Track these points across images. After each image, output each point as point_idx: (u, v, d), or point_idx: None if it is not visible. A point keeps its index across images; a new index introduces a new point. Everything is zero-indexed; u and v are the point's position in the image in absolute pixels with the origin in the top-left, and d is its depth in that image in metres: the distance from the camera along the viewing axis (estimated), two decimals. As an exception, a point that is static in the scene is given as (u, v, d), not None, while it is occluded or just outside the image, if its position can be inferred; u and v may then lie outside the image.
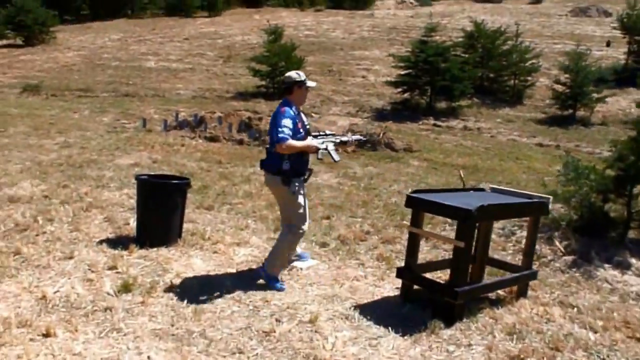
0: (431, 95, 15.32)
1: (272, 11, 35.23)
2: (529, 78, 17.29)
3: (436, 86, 14.91)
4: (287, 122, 3.93)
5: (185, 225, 5.06)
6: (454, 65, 14.81)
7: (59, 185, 6.52)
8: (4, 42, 25.72)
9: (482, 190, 3.49)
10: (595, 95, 15.26)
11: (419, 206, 3.36)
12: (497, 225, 5.65)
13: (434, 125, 13.94)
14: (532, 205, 3.32)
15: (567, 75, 15.52)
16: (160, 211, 4.73)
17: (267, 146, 4.18)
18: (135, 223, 5.07)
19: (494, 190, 3.52)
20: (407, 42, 23.48)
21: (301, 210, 4.09)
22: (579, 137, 13.51)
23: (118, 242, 4.83)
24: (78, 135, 10.51)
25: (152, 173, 6.47)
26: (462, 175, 7.20)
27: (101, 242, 4.86)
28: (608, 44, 22.98)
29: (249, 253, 4.85)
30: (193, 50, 23.07)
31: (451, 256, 3.58)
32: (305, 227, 4.16)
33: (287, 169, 3.98)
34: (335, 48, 22.94)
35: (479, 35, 17.95)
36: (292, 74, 4.19)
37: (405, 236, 5.30)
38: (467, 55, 16.64)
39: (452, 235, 5.30)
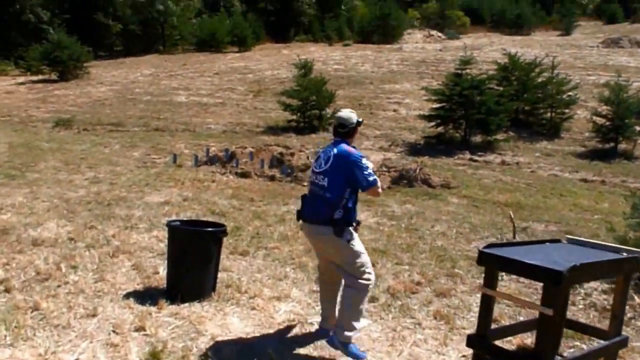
0: (466, 129, 14.91)
1: (300, 46, 35.48)
2: (567, 111, 16.76)
3: (471, 120, 14.51)
4: (369, 163, 3.69)
5: (219, 275, 4.66)
6: (489, 98, 14.41)
7: (85, 226, 6.23)
8: (40, 77, 26.26)
9: (558, 241, 3.07)
10: (637, 127, 14.68)
11: (495, 264, 2.86)
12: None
13: (470, 159, 13.48)
14: (625, 261, 2.85)
15: (607, 107, 14.99)
16: (193, 263, 4.30)
17: (311, 193, 3.81)
18: (165, 273, 4.67)
19: (570, 240, 3.10)
20: (437, 75, 23.35)
21: (363, 257, 3.68)
22: (623, 171, 12.89)
23: (146, 296, 4.43)
24: (108, 171, 10.36)
25: (184, 218, 6.02)
26: (513, 217, 6.74)
27: (128, 295, 4.46)
28: (645, 75, 22.29)
29: (291, 309, 4.38)
30: (223, 84, 23.16)
31: (526, 317, 3.15)
32: (372, 275, 3.71)
33: (339, 217, 3.61)
34: (364, 82, 22.78)
35: (513, 67, 17.56)
36: (350, 114, 3.88)
37: (460, 288, 4.87)
38: (501, 88, 16.23)
39: (523, 291, 4.84)
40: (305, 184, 9.78)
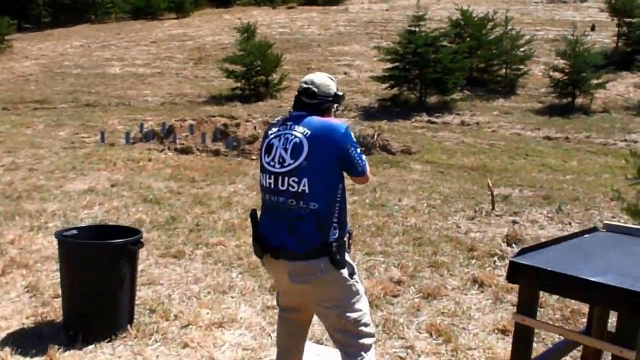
0: (422, 89, 14.15)
1: (243, 10, 33.81)
2: (522, 67, 16.25)
3: (427, 79, 13.75)
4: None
5: (141, 293, 3.58)
6: (445, 56, 13.66)
7: (-21, 229, 5.09)
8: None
9: (595, 229, 2.30)
10: (594, 81, 14.30)
11: (536, 282, 1.87)
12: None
13: (429, 122, 12.77)
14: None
15: (564, 62, 14.52)
16: (97, 288, 3.14)
17: (275, 210, 2.47)
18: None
19: (609, 228, 2.32)
20: (387, 35, 22.44)
21: (364, 302, 2.55)
22: (585, 127, 12.46)
23: (36, 337, 3.26)
24: (29, 155, 9.07)
25: (88, 224, 4.76)
26: (491, 185, 5.99)
27: (12, 334, 3.28)
28: (593, 29, 22.11)
29: (238, 342, 3.25)
30: (161, 53, 21.60)
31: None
32: (373, 327, 2.61)
33: (336, 238, 2.40)
34: (312, 45, 21.68)
35: (466, 23, 16.87)
36: (327, 80, 2.58)
37: (450, 283, 4.04)
38: (455, 46, 15.51)
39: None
40: (255, 157, 8.81)
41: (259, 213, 2.57)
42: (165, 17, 32.73)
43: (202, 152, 9.29)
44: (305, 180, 2.38)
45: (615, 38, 18.76)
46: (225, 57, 16.28)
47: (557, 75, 14.39)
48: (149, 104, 14.71)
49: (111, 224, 4.91)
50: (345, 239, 2.47)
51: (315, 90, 2.51)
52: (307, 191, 2.38)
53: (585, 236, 2.24)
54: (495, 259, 4.41)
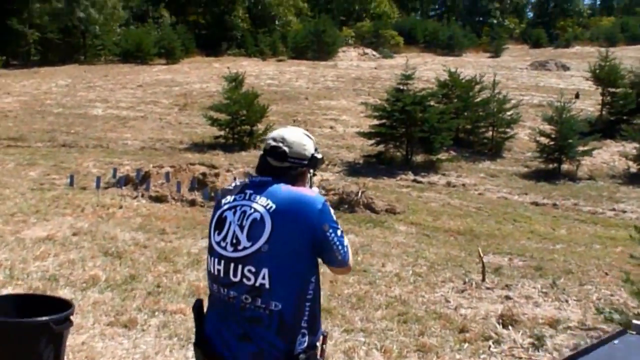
0: (408, 147, 13.94)
1: (232, 60, 34.02)
2: (508, 130, 16.22)
3: (414, 138, 13.56)
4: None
5: None
6: (432, 116, 13.53)
7: None
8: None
9: (624, 332, 1.91)
10: (580, 148, 14.25)
11: None
12: (568, 342, 3.94)
13: (414, 181, 12.48)
14: None
15: (551, 127, 14.49)
16: None
17: (221, 304, 1.93)
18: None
19: (638, 330, 1.95)
20: (374, 92, 22.53)
21: None
22: (572, 193, 12.25)
23: None
24: (-7, 195, 8.55)
25: (12, 292, 3.98)
26: (482, 255, 5.60)
27: None
28: (577, 96, 22.46)
29: None
30: (147, 97, 21.35)
31: None
32: None
33: (304, 347, 1.87)
34: (299, 97, 21.64)
35: (453, 84, 16.91)
36: (304, 138, 2.03)
37: None
38: (442, 106, 15.46)
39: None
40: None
41: (206, 304, 2.01)
42: (155, 62, 32.75)
43: (177, 201, 8.83)
44: (264, 271, 1.81)
45: (599, 106, 18.93)
46: (211, 104, 16.04)
47: (544, 140, 14.32)
48: (127, 147, 14.28)
49: (40, 293, 4.18)
50: (318, 345, 1.92)
51: (286, 149, 1.94)
52: (267, 286, 1.81)
53: (615, 342, 1.85)
54: (490, 343, 3.96)
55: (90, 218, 7.35)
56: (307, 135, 2.07)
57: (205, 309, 2.00)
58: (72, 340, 3.52)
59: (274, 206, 1.86)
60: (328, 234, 1.88)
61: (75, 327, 3.69)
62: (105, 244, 5.90)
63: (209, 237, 1.98)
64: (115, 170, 9.70)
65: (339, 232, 1.92)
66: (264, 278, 1.82)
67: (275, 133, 2.04)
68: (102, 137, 15.29)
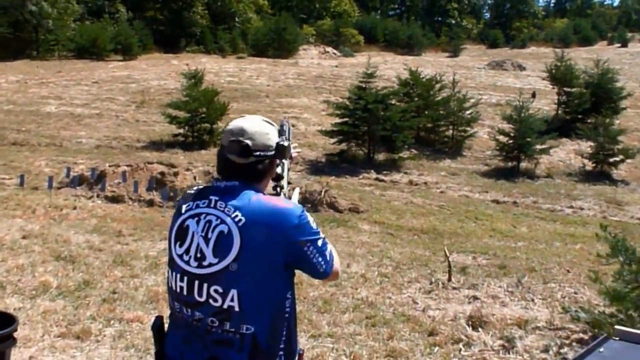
0: (370, 146, 13.90)
1: (192, 57, 33.43)
2: (468, 129, 16.38)
3: (376, 136, 13.52)
4: (312, 221, 1.78)
5: None
6: (394, 114, 13.53)
7: None
8: None
9: (607, 339, 1.83)
10: (538, 146, 14.49)
11: None
12: (538, 343, 3.90)
13: (377, 179, 12.43)
14: None
15: (510, 126, 14.69)
16: None
17: (186, 328, 1.72)
18: None
19: (621, 336, 1.87)
20: (335, 90, 22.49)
21: None
22: (531, 191, 12.43)
23: None
24: None
25: None
26: (448, 254, 5.55)
27: None
28: (533, 95, 22.92)
29: None
30: (102, 94, 20.71)
31: None
32: None
33: None
34: (260, 95, 21.40)
35: (414, 83, 16.98)
36: (265, 126, 1.81)
37: None
38: (404, 104, 15.49)
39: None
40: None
41: (166, 324, 1.80)
42: (111, 58, 31.90)
43: (134, 201, 8.52)
44: (233, 292, 1.60)
45: (555, 105, 19.34)
46: (170, 102, 15.65)
47: (503, 138, 14.51)
48: (82, 145, 13.79)
49: None
50: None
51: (249, 142, 1.70)
52: (237, 309, 1.60)
53: (601, 349, 1.77)
54: (460, 346, 3.88)
55: (42, 220, 7.00)
56: (268, 122, 1.84)
57: (166, 328, 1.79)
58: (19, 355, 3.27)
59: (243, 219, 1.64)
60: (305, 249, 1.69)
61: (22, 339, 3.45)
62: (57, 247, 5.59)
63: (170, 249, 1.75)
64: (68, 169, 9.31)
65: (319, 243, 1.72)
66: (232, 300, 1.61)
67: (232, 125, 1.79)
68: (55, 135, 14.72)
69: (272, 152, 1.78)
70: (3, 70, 27.15)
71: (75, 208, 7.86)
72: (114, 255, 5.47)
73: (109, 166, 9.97)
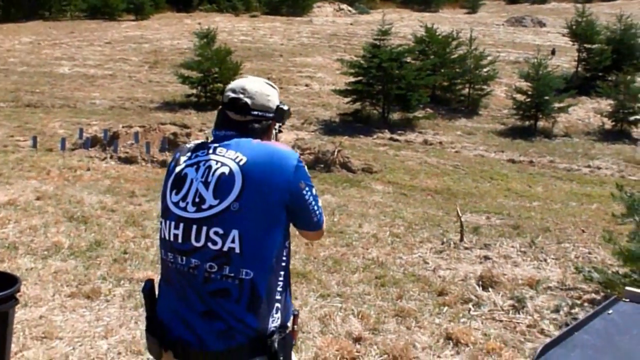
0: (384, 105, 13.71)
1: (204, 16, 33.01)
2: (485, 87, 16.06)
3: (391, 95, 13.32)
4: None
5: (30, 352, 2.72)
6: (409, 73, 13.27)
7: None
8: None
9: (617, 300, 1.78)
10: (556, 105, 14.18)
11: None
12: (549, 303, 3.85)
13: (391, 139, 12.31)
14: None
15: (527, 84, 14.36)
16: None
17: (182, 278, 1.67)
18: None
19: (632, 297, 1.82)
20: (350, 49, 22.10)
21: None
22: (548, 150, 12.23)
23: None
24: (-48, 159, 8.16)
25: None
26: (460, 214, 5.49)
27: None
28: (553, 52, 22.31)
29: None
30: (115, 55, 20.61)
31: None
32: None
33: (277, 327, 1.65)
34: (273, 54, 21.12)
35: (430, 40, 16.60)
36: (266, 88, 1.82)
37: (420, 339, 3.32)
38: (419, 62, 15.19)
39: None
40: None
41: (157, 286, 1.76)
42: (123, 18, 31.62)
43: (147, 162, 8.54)
44: (234, 233, 1.57)
45: (575, 63, 18.85)
46: (183, 62, 15.52)
47: (520, 97, 14.21)
48: (96, 107, 13.79)
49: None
50: (289, 325, 1.70)
51: (248, 101, 1.73)
52: (237, 250, 1.58)
53: (610, 312, 1.72)
54: (470, 305, 3.86)
55: (56, 181, 7.05)
56: (270, 85, 1.85)
57: (157, 289, 1.76)
58: (29, 313, 3.32)
59: (244, 159, 1.63)
60: (304, 192, 1.68)
61: (33, 299, 3.50)
62: (70, 208, 5.63)
63: (163, 199, 1.72)
64: (81, 130, 9.32)
65: (314, 191, 1.73)
66: (233, 241, 1.58)
67: (234, 84, 1.81)
68: (68, 96, 14.73)
69: (271, 115, 1.80)
70: (16, 31, 27.09)
71: (88, 169, 7.90)
72: (126, 216, 5.50)
73: (122, 127, 9.98)
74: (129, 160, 8.56)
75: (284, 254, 1.68)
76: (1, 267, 3.81)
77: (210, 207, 1.61)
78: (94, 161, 8.53)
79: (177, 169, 1.71)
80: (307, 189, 1.69)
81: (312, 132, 12.55)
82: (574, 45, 19.42)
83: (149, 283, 1.77)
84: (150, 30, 26.74)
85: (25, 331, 3.13)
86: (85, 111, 13.21)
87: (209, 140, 1.77)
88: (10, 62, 19.15)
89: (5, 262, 4.11)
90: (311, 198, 1.70)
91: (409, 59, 14.59)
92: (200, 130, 10.22)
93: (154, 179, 7.61)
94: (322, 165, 8.97)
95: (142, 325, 3.43)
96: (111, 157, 8.69)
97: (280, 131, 1.89)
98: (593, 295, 4.03)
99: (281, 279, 1.67)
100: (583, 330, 1.58)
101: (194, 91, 14.40)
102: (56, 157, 8.59)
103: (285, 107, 1.83)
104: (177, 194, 1.67)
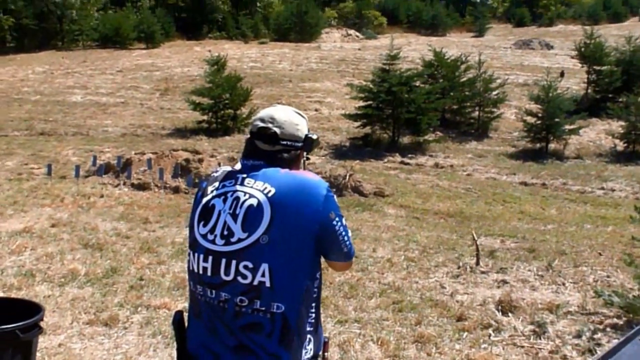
0: (394, 129, 13.76)
1: (214, 43, 33.49)
2: (494, 110, 16.10)
3: (401, 119, 13.37)
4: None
5: None
6: (419, 96, 13.34)
7: None
8: None
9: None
10: (567, 127, 14.16)
11: None
12: (570, 328, 3.80)
13: (402, 162, 12.32)
14: None
15: (538, 106, 14.38)
16: None
17: (211, 311, 1.66)
18: None
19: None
20: (358, 73, 22.28)
21: None
22: (560, 173, 12.17)
23: None
24: (-32, 187, 8.24)
25: None
26: (476, 238, 5.45)
27: None
28: (562, 74, 22.38)
29: None
30: (127, 83, 20.89)
31: None
32: None
33: (310, 357, 1.67)
34: (283, 80, 21.32)
35: (439, 64, 16.71)
36: (296, 117, 1.81)
37: None
38: (428, 86, 15.27)
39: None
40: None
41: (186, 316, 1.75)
42: (134, 47, 32.12)
43: (159, 188, 8.57)
44: (264, 267, 1.56)
45: (584, 84, 18.87)
46: (193, 88, 15.69)
47: (530, 119, 14.21)
48: (108, 134, 13.93)
49: (12, 296, 3.84)
50: (320, 354, 1.69)
51: (277, 130, 1.71)
52: (268, 284, 1.56)
53: (638, 339, 1.70)
54: (490, 331, 3.81)
55: (70, 208, 7.09)
56: (299, 114, 1.84)
57: (186, 321, 1.74)
58: (49, 342, 3.31)
59: (273, 190, 1.61)
60: (334, 222, 1.66)
61: (51, 327, 3.49)
62: (85, 235, 5.65)
63: (191, 230, 1.70)
64: (95, 158, 9.41)
65: (344, 222, 1.70)
66: (263, 275, 1.57)
67: (263, 113, 1.80)
68: (81, 124, 14.90)
69: (300, 144, 1.78)
70: (29, 61, 27.57)
71: (102, 196, 7.94)
72: (141, 242, 5.51)
73: (135, 154, 10.05)
74: (142, 187, 8.60)
75: (315, 285, 1.66)
76: (19, 295, 3.82)
77: (239, 240, 1.59)
78: (107, 188, 8.58)
79: (205, 199, 1.69)
80: (337, 219, 1.67)
81: (323, 156, 12.59)
82: (582, 67, 19.46)
83: (179, 315, 1.73)
84: (161, 58, 27.12)
85: (45, 359, 3.12)
86: (98, 138, 13.34)
87: (237, 169, 1.74)
88: (24, 91, 19.45)
89: (23, 289, 4.12)
90: (341, 229, 1.68)
91: (418, 83, 14.70)
92: (212, 156, 10.26)
93: (167, 205, 7.64)
94: (333, 190, 8.94)
95: (161, 353, 3.42)
96: (124, 184, 8.74)
97: (308, 158, 1.88)
98: (615, 320, 3.97)
99: (313, 310, 1.66)
100: (616, 357, 1.56)
101: (205, 117, 14.53)
102: (70, 184, 8.65)
103: (314, 137, 1.82)
104: (204, 225, 1.66)
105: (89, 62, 26.42)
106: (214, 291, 1.61)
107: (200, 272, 1.64)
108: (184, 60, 25.75)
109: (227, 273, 1.59)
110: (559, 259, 5.82)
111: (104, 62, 26.17)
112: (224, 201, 1.65)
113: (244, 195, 1.63)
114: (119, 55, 28.60)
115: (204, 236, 1.64)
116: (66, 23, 34.06)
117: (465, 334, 3.76)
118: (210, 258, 1.62)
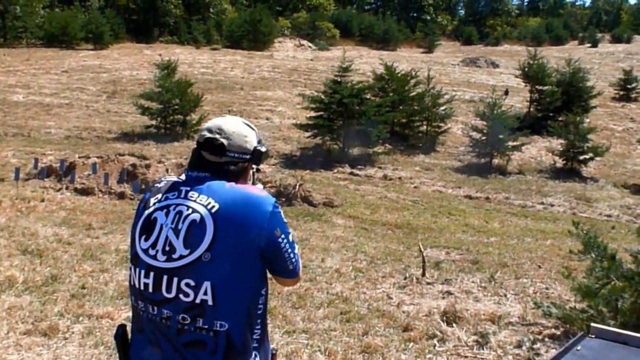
0: (344, 140, 13.88)
1: (165, 47, 32.97)
2: (442, 124, 16.51)
3: (351, 130, 13.51)
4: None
5: None
6: (369, 109, 13.53)
7: None
8: None
9: (584, 336, 1.81)
10: (510, 143, 14.66)
11: None
12: (511, 339, 3.91)
13: (351, 174, 12.43)
14: None
15: (483, 122, 14.83)
16: None
17: (154, 329, 1.62)
18: None
19: (598, 334, 1.86)
20: (310, 84, 22.41)
21: None
22: (503, 187, 12.57)
23: None
24: None
25: None
26: (422, 250, 5.55)
27: None
28: (506, 93, 23.14)
29: None
30: (72, 83, 20.28)
31: None
32: None
33: None
34: (234, 87, 21.20)
35: (390, 78, 17.00)
36: (245, 129, 1.78)
37: None
38: (379, 99, 15.52)
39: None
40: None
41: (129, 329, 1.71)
42: (82, 47, 31.25)
43: (104, 193, 8.35)
44: (206, 285, 1.52)
45: (527, 103, 19.60)
46: (142, 92, 15.38)
47: (476, 135, 14.64)
48: (51, 136, 13.47)
49: None
50: None
51: (224, 142, 1.67)
52: (210, 302, 1.52)
53: (578, 348, 1.77)
54: (435, 341, 3.87)
55: (9, 212, 6.80)
56: (248, 125, 1.80)
57: (130, 335, 1.69)
58: (-18, 352, 3.16)
59: (217, 206, 1.57)
60: (280, 240, 1.63)
61: (-15, 336, 3.32)
62: (24, 241, 5.42)
63: (133, 244, 1.65)
64: (36, 160, 9.06)
65: (290, 238, 1.68)
66: (206, 293, 1.53)
67: (210, 123, 1.75)
68: (22, 124, 14.36)
69: (248, 156, 1.74)
70: (-32, 57, 26.39)
71: (43, 200, 7.66)
72: (84, 249, 5.33)
73: (79, 157, 9.76)
74: (85, 192, 8.35)
75: (260, 302, 1.63)
76: (-49, 303, 3.63)
77: (181, 257, 1.55)
78: (48, 192, 8.28)
79: (147, 212, 1.64)
80: (282, 236, 1.64)
81: (273, 165, 12.57)
82: (526, 86, 20.23)
83: (121, 329, 1.69)
84: (109, 59, 26.47)
85: (-24, 371, 2.97)
86: (40, 140, 12.88)
87: (181, 181, 1.69)
88: (-39, 88, 18.61)
89: (-45, 297, 3.91)
90: (287, 246, 1.65)
91: (369, 96, 14.90)
92: (160, 162, 10.08)
93: (111, 210, 7.44)
94: (283, 199, 8.95)
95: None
96: (67, 188, 8.46)
97: (258, 170, 1.86)
98: (553, 330, 4.12)
99: (258, 327, 1.62)
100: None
101: (154, 122, 14.27)
102: (8, 187, 8.30)
103: (263, 149, 1.79)
104: (146, 240, 1.61)
105: (32, 60, 25.51)
106: (155, 307, 1.57)
107: (142, 287, 1.59)
108: (133, 63, 25.22)
109: (168, 290, 1.55)
110: (501, 270, 6.00)
111: (49, 62, 25.31)
112: (167, 215, 1.60)
113: (187, 210, 1.58)
114: (65, 55, 27.74)
115: (146, 251, 1.60)
116: (9, 19, 32.82)
117: (411, 344, 3.82)
118: (151, 274, 1.57)
